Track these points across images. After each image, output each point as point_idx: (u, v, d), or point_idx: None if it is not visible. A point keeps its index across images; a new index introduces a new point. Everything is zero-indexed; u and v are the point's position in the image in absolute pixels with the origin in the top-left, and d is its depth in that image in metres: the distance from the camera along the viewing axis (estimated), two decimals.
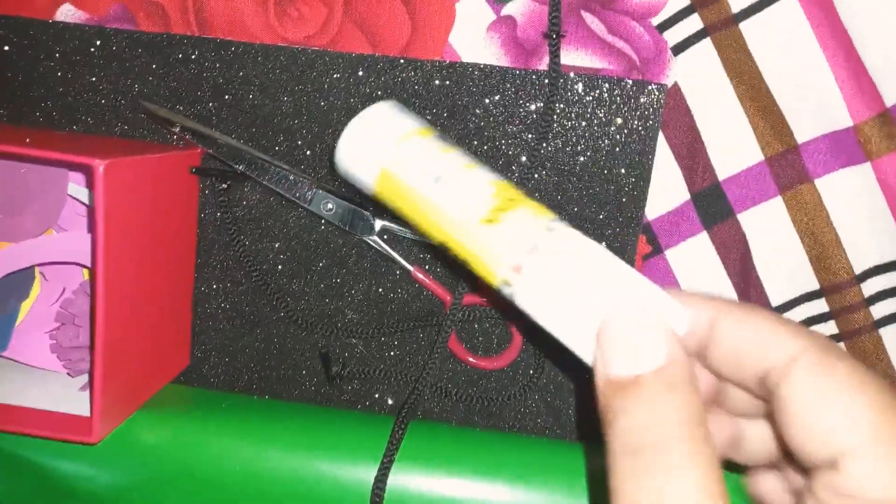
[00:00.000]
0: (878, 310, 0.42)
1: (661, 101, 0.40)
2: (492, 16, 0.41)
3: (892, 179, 0.40)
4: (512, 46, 0.41)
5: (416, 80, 0.41)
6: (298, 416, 0.44)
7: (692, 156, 0.41)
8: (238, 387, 0.46)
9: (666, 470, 0.18)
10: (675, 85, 0.41)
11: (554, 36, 0.40)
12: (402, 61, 0.41)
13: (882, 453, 0.18)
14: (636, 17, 0.40)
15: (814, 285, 0.42)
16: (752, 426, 0.25)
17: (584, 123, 0.41)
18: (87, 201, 0.43)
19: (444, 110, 0.42)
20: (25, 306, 0.45)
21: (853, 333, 0.42)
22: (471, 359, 0.44)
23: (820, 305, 0.42)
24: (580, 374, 0.44)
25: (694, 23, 0.40)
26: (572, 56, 0.41)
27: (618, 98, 0.40)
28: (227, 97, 0.43)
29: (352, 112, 0.42)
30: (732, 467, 0.25)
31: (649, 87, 0.40)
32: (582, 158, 0.41)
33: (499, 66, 0.41)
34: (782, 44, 0.39)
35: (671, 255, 0.43)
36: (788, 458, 0.23)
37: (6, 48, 0.44)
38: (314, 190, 0.42)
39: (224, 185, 0.43)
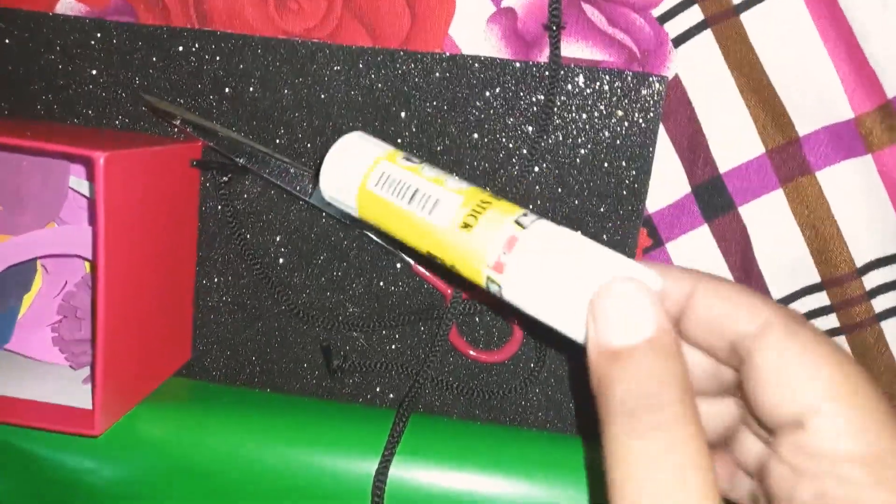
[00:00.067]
0: (880, 303, 0.42)
1: (661, 94, 0.40)
2: (492, 8, 0.41)
3: (894, 172, 0.40)
4: (512, 38, 0.41)
5: (417, 72, 0.41)
6: (300, 410, 0.44)
7: (693, 148, 0.41)
8: (239, 380, 0.47)
9: (659, 427, 0.19)
10: (676, 77, 0.40)
11: (554, 28, 0.39)
12: (402, 54, 0.41)
13: (841, 408, 0.20)
14: (637, 9, 0.40)
15: (815, 278, 0.42)
16: (705, 404, 0.26)
17: (584, 116, 0.41)
18: (88, 194, 0.43)
19: (445, 103, 0.42)
20: (27, 299, 0.45)
21: (854, 327, 0.42)
22: (472, 352, 0.44)
23: (821, 298, 0.42)
24: (580, 367, 0.44)
25: (695, 14, 0.39)
26: (573, 48, 0.41)
27: (618, 90, 0.40)
28: (227, 90, 0.43)
29: (352, 105, 0.42)
30: None
31: (650, 80, 0.40)
32: (582, 151, 0.41)
33: (499, 59, 0.41)
34: (783, 35, 0.39)
35: (672, 247, 0.43)
36: (752, 426, 0.25)
37: (7, 41, 0.44)
38: (315, 183, 0.42)
39: (225, 178, 0.44)
